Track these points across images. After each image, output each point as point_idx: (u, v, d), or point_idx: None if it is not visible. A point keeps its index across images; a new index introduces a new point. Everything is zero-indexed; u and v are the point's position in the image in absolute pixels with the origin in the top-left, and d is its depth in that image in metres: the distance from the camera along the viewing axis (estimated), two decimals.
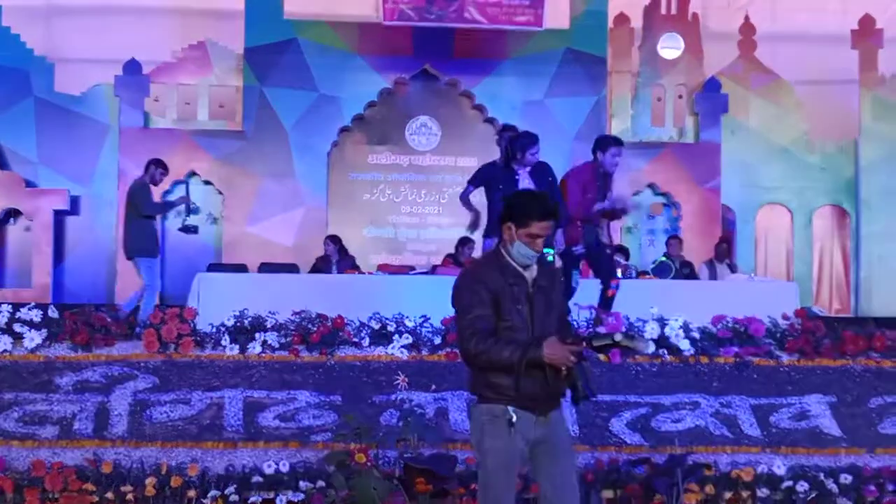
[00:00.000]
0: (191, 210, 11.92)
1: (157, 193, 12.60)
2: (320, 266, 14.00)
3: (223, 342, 7.78)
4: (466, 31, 16.23)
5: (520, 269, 4.90)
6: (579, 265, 9.60)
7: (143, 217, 11.07)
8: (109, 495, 6.53)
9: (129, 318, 8.95)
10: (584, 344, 4.69)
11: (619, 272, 9.93)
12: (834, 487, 6.85)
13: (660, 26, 16.99)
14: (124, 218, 11.47)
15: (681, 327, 7.81)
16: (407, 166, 16.85)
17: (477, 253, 14.18)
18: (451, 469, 6.40)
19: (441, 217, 16.88)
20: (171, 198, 11.47)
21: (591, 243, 9.23)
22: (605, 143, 9.31)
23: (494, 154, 10.07)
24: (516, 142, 9.32)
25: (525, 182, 9.19)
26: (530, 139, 9.33)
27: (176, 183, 16.27)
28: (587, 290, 9.29)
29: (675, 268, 13.64)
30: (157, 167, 11.38)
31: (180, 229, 11.95)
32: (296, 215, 16.28)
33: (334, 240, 14.32)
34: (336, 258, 14.04)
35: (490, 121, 16.62)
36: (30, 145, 16.31)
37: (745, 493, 6.78)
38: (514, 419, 4.73)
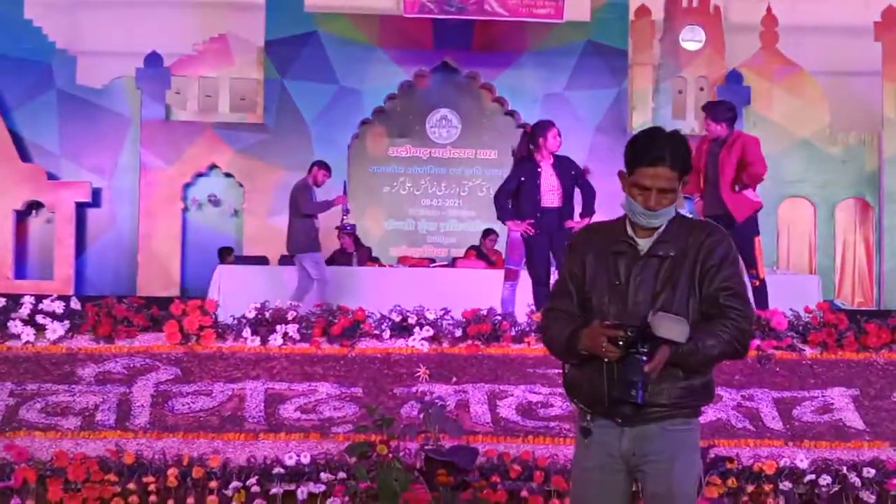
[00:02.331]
0: (347, 210, 12.15)
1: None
2: (338, 259, 14.02)
3: (244, 334, 7.78)
4: (486, 23, 16.25)
5: (631, 233, 3.95)
6: None
7: (303, 216, 11.29)
8: (131, 486, 6.53)
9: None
10: (625, 331, 3.74)
11: (758, 261, 9.28)
12: (857, 481, 6.80)
13: (681, 18, 16.95)
14: (288, 217, 11.84)
15: None
16: (427, 159, 16.87)
17: (500, 246, 14.19)
18: (472, 461, 6.39)
19: (461, 210, 16.90)
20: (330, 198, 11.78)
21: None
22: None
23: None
24: (535, 128, 9.33)
25: (548, 173, 9.20)
26: (548, 122, 9.35)
27: (198, 175, 16.35)
28: None
29: None
30: (319, 168, 11.79)
31: (337, 227, 12.18)
32: None
33: (349, 232, 14.36)
34: (351, 250, 14.06)
35: (510, 113, 16.63)
36: (52, 138, 16.39)
37: (767, 487, 6.74)
38: (591, 427, 3.91)
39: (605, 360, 3.76)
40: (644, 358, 3.72)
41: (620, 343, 3.72)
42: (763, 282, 9.13)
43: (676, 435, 3.91)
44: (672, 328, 3.74)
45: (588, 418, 3.91)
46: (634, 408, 3.77)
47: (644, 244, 3.91)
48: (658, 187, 3.84)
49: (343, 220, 12.17)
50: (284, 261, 14.01)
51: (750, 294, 3.98)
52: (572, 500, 4.10)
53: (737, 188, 9.10)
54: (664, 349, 3.73)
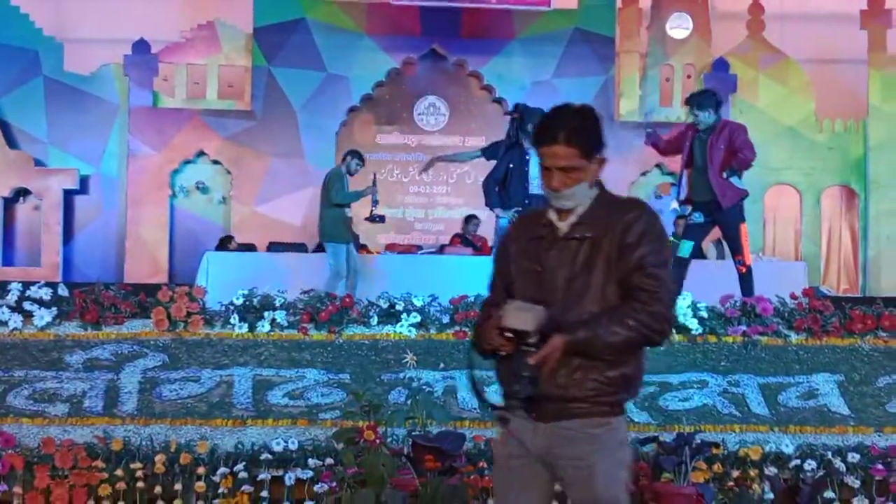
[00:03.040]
0: (377, 201, 12.19)
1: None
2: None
3: (232, 320, 7.79)
4: (474, 10, 16.25)
5: (553, 216, 3.75)
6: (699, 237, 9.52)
7: (334, 205, 11.30)
8: (119, 472, 6.55)
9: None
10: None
11: (744, 247, 9.35)
12: (841, 466, 6.86)
13: (668, 6, 16.96)
14: (319, 205, 11.86)
15: (689, 306, 7.82)
16: (415, 146, 16.87)
17: (483, 230, 14.21)
18: (459, 447, 6.42)
19: (449, 197, 16.91)
20: (360, 189, 11.83)
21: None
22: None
23: (502, 134, 10.07)
24: (524, 116, 9.36)
25: (537, 161, 9.25)
26: (537, 110, 9.39)
27: (185, 162, 16.33)
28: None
29: None
30: (352, 157, 11.84)
31: (367, 219, 12.22)
32: (304, 195, 16.30)
33: None
34: None
35: (498, 101, 16.63)
36: (39, 125, 16.35)
37: (752, 472, 6.79)
38: (507, 418, 3.69)
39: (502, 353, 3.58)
40: (534, 350, 3.51)
41: (509, 336, 3.53)
42: (749, 268, 9.19)
43: (596, 437, 3.62)
44: (518, 317, 3.51)
45: (506, 408, 3.67)
46: (527, 402, 3.56)
47: (564, 227, 3.71)
48: (557, 166, 3.67)
49: (372, 210, 12.20)
50: (273, 247, 14.02)
51: (670, 272, 3.71)
52: (494, 493, 3.92)
53: (725, 175, 9.15)
54: (554, 340, 3.51)
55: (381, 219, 12.63)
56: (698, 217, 9.30)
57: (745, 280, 9.13)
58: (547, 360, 3.51)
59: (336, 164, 12.04)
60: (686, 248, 9.26)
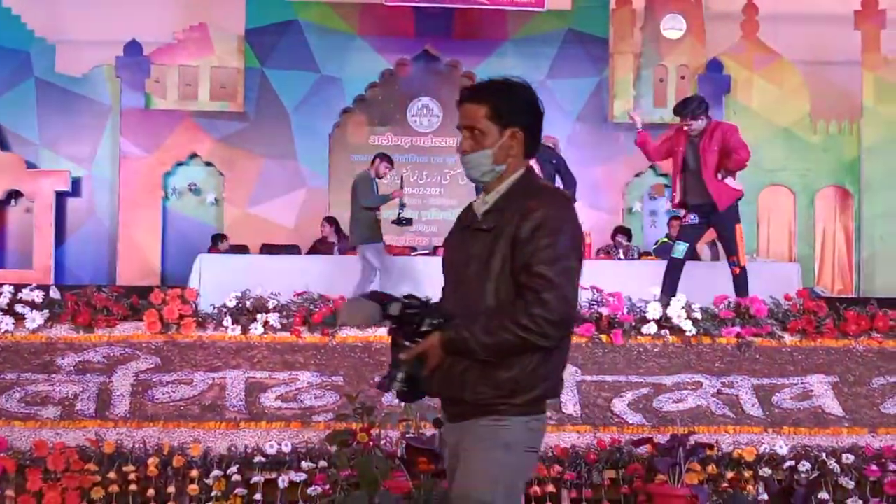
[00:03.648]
0: (404, 204, 12.20)
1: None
2: (319, 248, 13.99)
3: (225, 323, 7.77)
4: (467, 11, 16.25)
5: (479, 202, 3.59)
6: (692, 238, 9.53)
7: (364, 208, 11.33)
8: (111, 475, 6.54)
9: None
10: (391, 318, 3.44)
11: (739, 248, 9.32)
12: (836, 467, 6.86)
13: (662, 7, 16.94)
14: (350, 209, 11.80)
15: (683, 308, 7.81)
16: (408, 147, 16.84)
17: None
18: None
19: (442, 198, 16.87)
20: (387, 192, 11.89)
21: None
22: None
23: None
24: None
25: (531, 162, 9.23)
26: None
27: (178, 164, 16.30)
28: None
29: None
30: (381, 160, 11.81)
31: (394, 222, 12.20)
32: (297, 196, 16.30)
33: (330, 221, 14.31)
34: (333, 240, 14.05)
35: None
36: (31, 126, 16.31)
37: (747, 473, 6.79)
38: (441, 422, 3.62)
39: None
40: (408, 344, 3.42)
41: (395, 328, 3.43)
42: (744, 269, 9.18)
43: (484, 430, 3.44)
44: (346, 315, 3.46)
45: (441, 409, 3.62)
46: (407, 396, 3.47)
47: (479, 210, 3.55)
48: (464, 125, 3.51)
49: (399, 214, 12.21)
50: (266, 249, 13.99)
51: (568, 276, 3.44)
52: None
53: (720, 176, 9.14)
54: (431, 338, 3.40)
55: (409, 221, 12.65)
56: (693, 218, 9.30)
57: (740, 281, 9.12)
58: (425, 356, 3.41)
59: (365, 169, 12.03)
60: (681, 249, 9.25)
